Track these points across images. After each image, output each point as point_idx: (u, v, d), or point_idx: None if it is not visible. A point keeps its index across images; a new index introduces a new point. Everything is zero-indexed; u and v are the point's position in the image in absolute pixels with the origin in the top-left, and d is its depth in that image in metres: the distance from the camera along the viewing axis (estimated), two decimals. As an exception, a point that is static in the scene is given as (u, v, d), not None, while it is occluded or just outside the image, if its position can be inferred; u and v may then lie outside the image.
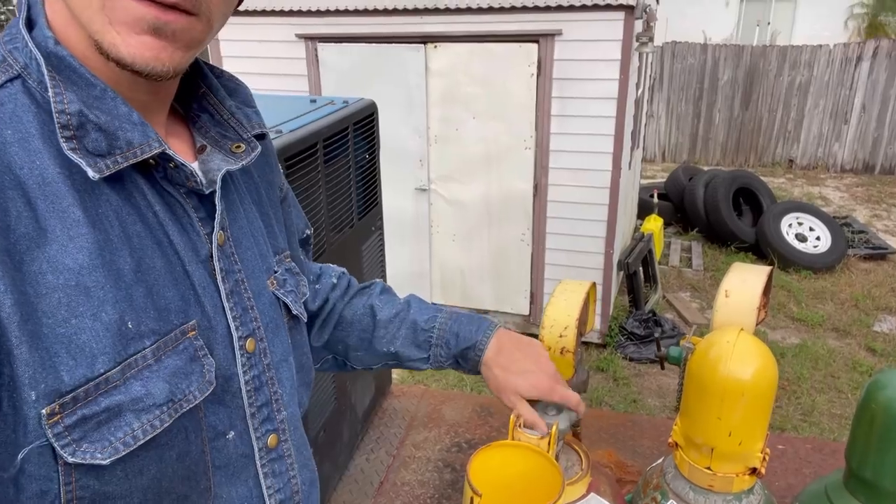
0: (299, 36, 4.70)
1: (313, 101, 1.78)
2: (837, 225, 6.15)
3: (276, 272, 0.77)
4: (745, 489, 1.08)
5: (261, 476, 0.70)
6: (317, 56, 4.73)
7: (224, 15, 0.62)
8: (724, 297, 1.11)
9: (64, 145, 0.54)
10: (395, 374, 4.62)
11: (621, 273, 5.10)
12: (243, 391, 0.67)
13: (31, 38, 0.56)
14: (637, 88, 5.16)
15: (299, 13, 4.62)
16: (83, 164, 0.55)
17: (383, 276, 2.12)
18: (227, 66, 4.98)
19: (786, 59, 8.59)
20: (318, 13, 4.59)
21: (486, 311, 5.18)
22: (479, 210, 4.90)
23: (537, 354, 1.00)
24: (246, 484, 0.69)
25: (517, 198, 4.77)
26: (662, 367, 1.55)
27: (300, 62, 4.77)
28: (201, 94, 0.71)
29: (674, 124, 9.36)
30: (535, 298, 4.95)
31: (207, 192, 0.64)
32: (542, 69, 4.36)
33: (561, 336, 1.24)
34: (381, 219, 2.04)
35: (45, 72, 0.55)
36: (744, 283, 1.11)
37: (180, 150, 0.68)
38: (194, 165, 0.64)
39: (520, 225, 4.85)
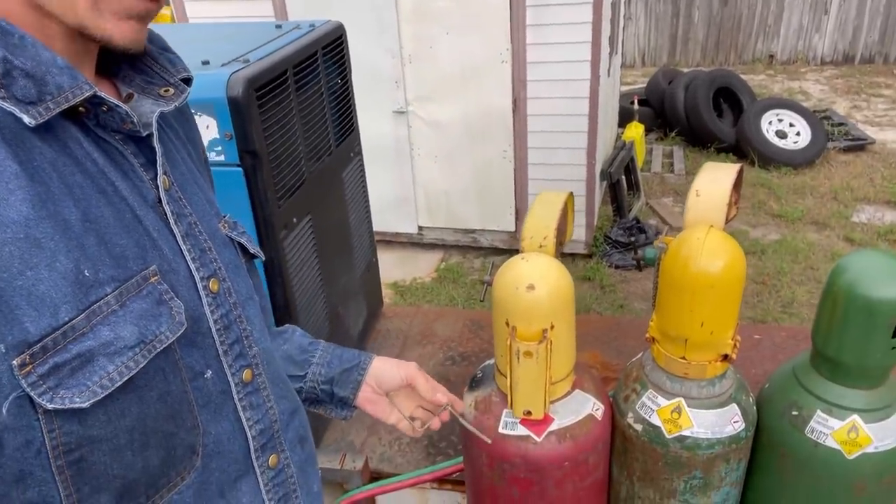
0: (259, -43, 4.49)
1: (279, 26, 1.74)
2: (817, 119, 6.15)
3: (224, 216, 0.80)
4: (717, 375, 1.16)
5: (239, 409, 0.74)
6: (279, -22, 4.54)
7: None
8: (695, 196, 1.14)
9: None
10: (387, 296, 4.71)
11: (604, 183, 5.13)
12: (213, 330, 0.70)
13: None
14: (612, -9, 5.00)
15: (257, -68, 4.40)
16: (17, 111, 0.54)
17: (367, 202, 2.13)
18: (188, -5, 4.78)
19: (765, -50, 8.32)
20: (277, -69, 4.37)
21: (472, 231, 5.24)
22: (459, 129, 4.85)
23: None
24: (228, 418, 0.73)
25: (496, 114, 4.72)
26: (640, 269, 1.61)
27: (263, -14, 4.58)
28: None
29: (653, 25, 9.13)
30: (521, 215, 4.99)
31: (144, 134, 0.65)
32: (514, -23, 4.22)
33: (541, 246, 1.28)
34: (359, 144, 2.03)
35: None
36: (714, 181, 1.15)
37: None
38: (127, 108, 0.64)
39: (500, 142, 4.81)
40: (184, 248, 0.68)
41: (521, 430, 1.20)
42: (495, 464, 1.23)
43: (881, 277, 0.99)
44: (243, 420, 0.75)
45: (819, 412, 1.10)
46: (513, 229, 5.09)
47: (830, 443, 1.08)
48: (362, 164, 2.07)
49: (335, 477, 1.72)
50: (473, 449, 1.27)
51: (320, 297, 1.80)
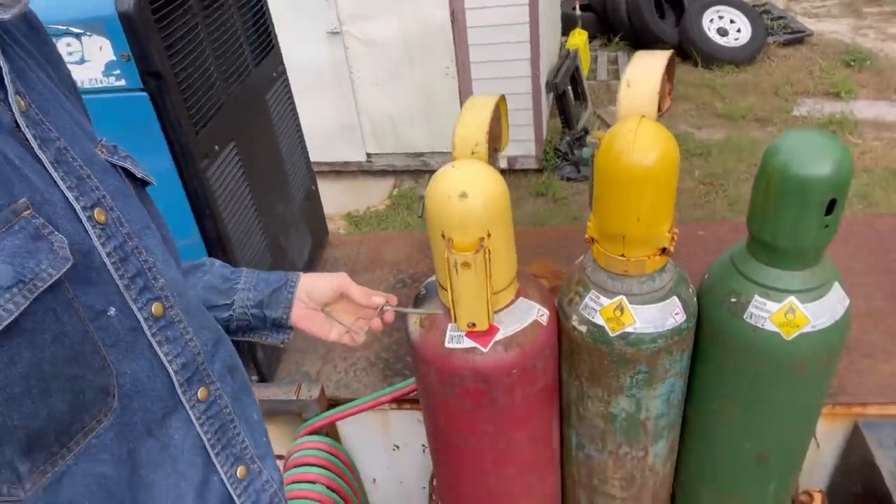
0: None
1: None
2: (757, 14, 6.11)
3: (101, 140, 0.72)
4: (657, 269, 1.15)
5: (154, 345, 0.70)
6: None
7: None
8: (626, 87, 1.09)
9: None
10: (341, 227, 4.64)
11: (551, 94, 5.04)
12: (108, 264, 0.65)
13: None
14: None
15: None
16: None
17: (298, 127, 2.03)
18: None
19: None
20: None
21: (422, 154, 5.13)
22: (398, 48, 4.66)
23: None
24: (143, 356, 0.69)
25: (435, 29, 4.53)
26: (578, 171, 1.58)
27: None
28: None
29: (592, -73, 8.81)
30: (468, 133, 4.89)
31: None
32: None
33: (473, 153, 1.23)
34: (282, 64, 1.91)
35: None
36: (645, 70, 1.10)
37: None
38: None
39: (442, 58, 4.65)
40: (56, 176, 0.61)
41: (467, 343, 1.18)
42: (444, 378, 1.22)
43: (813, 155, 0.97)
44: (161, 356, 0.71)
45: (757, 297, 1.10)
46: (461, 149, 5.00)
47: (769, 326, 1.09)
48: (288, 86, 1.95)
49: (292, 408, 1.71)
50: (422, 366, 1.25)
51: (256, 228, 1.73)
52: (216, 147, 1.53)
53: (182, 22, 1.35)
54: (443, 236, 1.09)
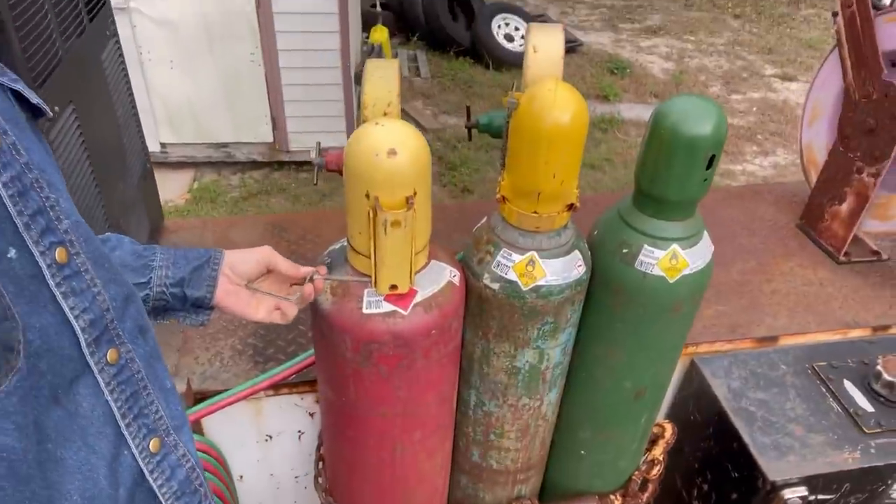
0: None
1: None
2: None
3: None
4: (563, 225, 1.24)
5: (58, 297, 0.61)
6: None
7: None
8: (532, 52, 1.16)
9: None
10: (166, 208, 4.17)
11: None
12: (4, 197, 0.55)
13: None
14: None
15: None
16: None
17: (131, 94, 1.80)
18: None
19: None
20: None
21: (225, 145, 4.82)
22: (197, 29, 4.33)
23: None
24: (46, 309, 0.60)
25: (238, 11, 4.30)
26: (470, 139, 1.63)
27: None
28: None
29: (380, -72, 8.98)
30: (278, 123, 4.71)
31: None
32: None
33: (385, 113, 1.21)
34: (114, 23, 1.67)
35: None
36: (546, 37, 1.18)
37: None
38: None
39: (247, 43, 4.43)
40: None
41: (387, 307, 1.16)
42: (361, 346, 1.18)
43: (697, 116, 1.12)
44: (66, 309, 0.61)
45: (646, 246, 1.24)
46: (270, 140, 4.80)
47: (656, 271, 1.24)
48: (120, 47, 1.72)
49: (152, 409, 1.51)
50: (334, 336, 1.20)
51: (98, 206, 1.50)
52: (56, 108, 1.30)
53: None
54: (367, 196, 1.06)
